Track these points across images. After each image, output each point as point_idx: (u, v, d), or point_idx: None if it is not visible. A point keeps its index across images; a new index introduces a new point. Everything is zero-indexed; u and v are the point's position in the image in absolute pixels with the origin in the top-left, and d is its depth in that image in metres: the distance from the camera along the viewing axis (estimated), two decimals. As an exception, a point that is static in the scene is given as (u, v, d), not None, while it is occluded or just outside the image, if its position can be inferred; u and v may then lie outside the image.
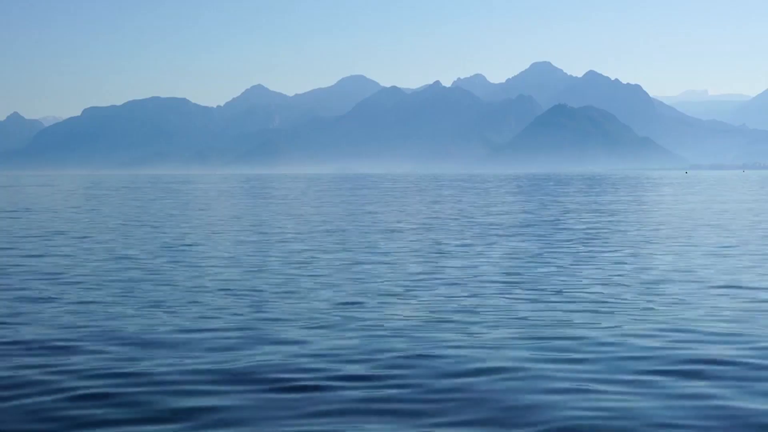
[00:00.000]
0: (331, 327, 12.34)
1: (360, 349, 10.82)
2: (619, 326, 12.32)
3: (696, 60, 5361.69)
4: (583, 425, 7.89)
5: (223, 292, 15.87)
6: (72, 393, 9.03)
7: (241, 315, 13.47)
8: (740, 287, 16.19)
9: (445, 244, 26.24)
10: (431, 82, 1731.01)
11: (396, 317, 13.13)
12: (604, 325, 12.47)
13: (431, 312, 13.64)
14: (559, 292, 15.68)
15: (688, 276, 17.91)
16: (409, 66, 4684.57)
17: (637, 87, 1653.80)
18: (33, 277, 18.71)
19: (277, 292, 15.77)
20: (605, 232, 30.76)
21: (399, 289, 16.14)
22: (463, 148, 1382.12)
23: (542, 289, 16.01)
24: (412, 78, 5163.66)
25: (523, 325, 12.43)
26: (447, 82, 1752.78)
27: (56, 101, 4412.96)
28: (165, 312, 13.82)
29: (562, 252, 23.38)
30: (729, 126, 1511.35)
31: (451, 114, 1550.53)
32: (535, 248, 24.47)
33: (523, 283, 17.03)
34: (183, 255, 23.03)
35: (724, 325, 12.42)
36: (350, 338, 11.56)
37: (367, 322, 12.67)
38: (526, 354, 10.50)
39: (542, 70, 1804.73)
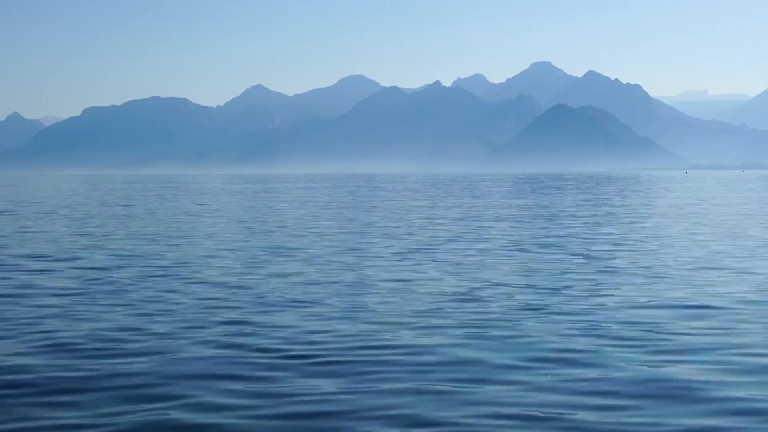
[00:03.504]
0: None
1: None
2: None
3: (696, 60, 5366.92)
4: None
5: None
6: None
7: None
8: None
9: None
10: (431, 82, 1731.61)
11: None
12: None
13: None
14: None
15: None
16: (409, 66, 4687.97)
17: (637, 87, 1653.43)
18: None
19: None
20: None
21: None
22: (463, 148, 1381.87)
23: None
24: (412, 78, 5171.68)
25: None
26: (447, 82, 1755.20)
27: (56, 101, 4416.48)
28: None
29: None
30: (729, 126, 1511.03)
31: (451, 114, 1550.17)
32: None
33: None
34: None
35: None
36: None
37: None
38: None
39: (542, 70, 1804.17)
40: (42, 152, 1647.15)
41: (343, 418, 8.28)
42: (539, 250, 23.73)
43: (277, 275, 18.54)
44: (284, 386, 9.39)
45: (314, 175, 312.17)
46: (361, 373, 9.86)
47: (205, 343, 11.56)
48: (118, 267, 20.32)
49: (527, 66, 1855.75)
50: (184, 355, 10.85)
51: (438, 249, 24.38)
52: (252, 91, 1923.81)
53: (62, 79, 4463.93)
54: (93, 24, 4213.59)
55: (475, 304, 14.49)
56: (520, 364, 10.14)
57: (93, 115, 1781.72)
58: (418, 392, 9.07)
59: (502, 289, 16.18)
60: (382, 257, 22.31)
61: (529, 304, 14.31)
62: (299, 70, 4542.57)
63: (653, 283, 16.82)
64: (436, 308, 14.05)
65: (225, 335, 12.03)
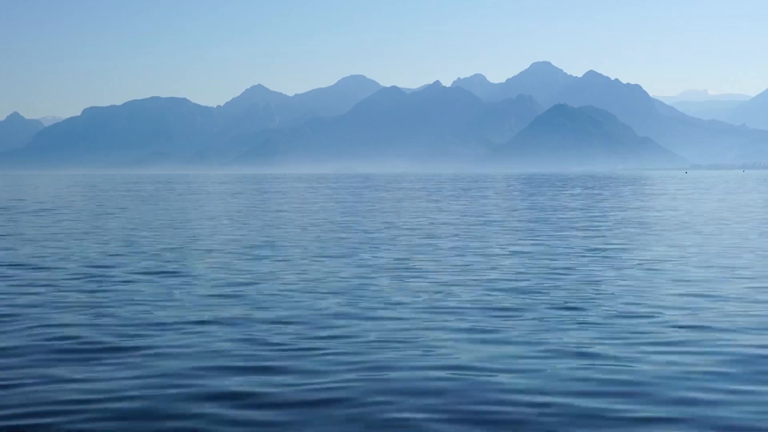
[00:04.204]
0: None
1: None
2: None
3: (696, 60, 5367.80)
4: None
5: None
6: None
7: None
8: None
9: None
10: (431, 82, 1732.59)
11: None
12: None
13: None
14: None
15: None
16: (409, 66, 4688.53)
17: (637, 87, 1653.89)
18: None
19: None
20: None
21: None
22: (463, 148, 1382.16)
23: None
24: (412, 78, 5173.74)
25: None
26: (447, 82, 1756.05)
27: (56, 101, 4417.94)
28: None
29: None
30: (729, 126, 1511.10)
31: (451, 114, 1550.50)
32: None
33: None
34: None
35: None
36: None
37: None
38: None
39: (542, 70, 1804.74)
40: (42, 152, 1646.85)
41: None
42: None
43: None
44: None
45: (333, 175, 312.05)
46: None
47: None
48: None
49: (527, 66, 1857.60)
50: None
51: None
52: (252, 91, 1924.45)
53: (62, 79, 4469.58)
54: (93, 24, 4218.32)
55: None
56: None
57: (93, 115, 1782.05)
58: None
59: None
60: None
61: None
62: (299, 70, 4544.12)
63: None
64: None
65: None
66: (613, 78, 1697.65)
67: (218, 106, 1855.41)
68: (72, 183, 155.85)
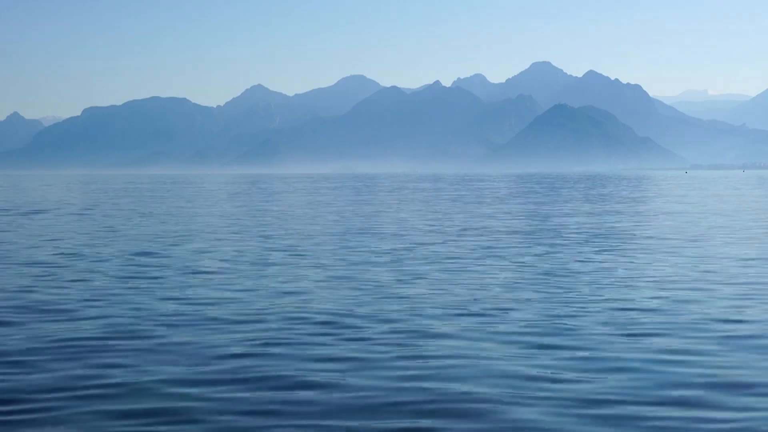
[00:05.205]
0: None
1: None
2: None
3: (696, 60, 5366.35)
4: None
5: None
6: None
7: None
8: None
9: None
10: (431, 82, 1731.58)
11: None
12: None
13: None
14: None
15: None
16: (409, 66, 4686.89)
17: (637, 87, 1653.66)
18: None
19: None
20: None
21: None
22: (463, 148, 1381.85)
23: None
24: (412, 78, 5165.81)
25: None
26: (447, 82, 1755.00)
27: (56, 101, 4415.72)
28: None
29: None
30: (729, 126, 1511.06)
31: (451, 114, 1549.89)
32: None
33: None
34: None
35: None
36: None
37: None
38: None
39: (542, 70, 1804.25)
40: (42, 152, 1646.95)
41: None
42: None
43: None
44: None
45: (341, 176, 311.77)
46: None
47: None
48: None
49: (527, 66, 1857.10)
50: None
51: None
52: (252, 91, 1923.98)
53: (62, 79, 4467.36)
54: (93, 24, 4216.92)
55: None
56: None
57: (93, 115, 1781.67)
58: None
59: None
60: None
61: None
62: (299, 70, 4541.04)
63: None
64: None
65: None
66: (613, 78, 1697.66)
67: (218, 106, 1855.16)
68: (89, 182, 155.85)
